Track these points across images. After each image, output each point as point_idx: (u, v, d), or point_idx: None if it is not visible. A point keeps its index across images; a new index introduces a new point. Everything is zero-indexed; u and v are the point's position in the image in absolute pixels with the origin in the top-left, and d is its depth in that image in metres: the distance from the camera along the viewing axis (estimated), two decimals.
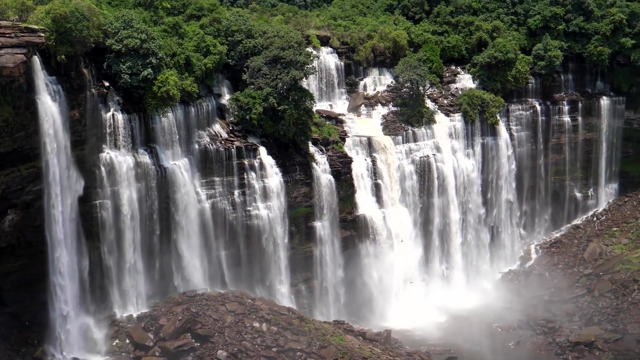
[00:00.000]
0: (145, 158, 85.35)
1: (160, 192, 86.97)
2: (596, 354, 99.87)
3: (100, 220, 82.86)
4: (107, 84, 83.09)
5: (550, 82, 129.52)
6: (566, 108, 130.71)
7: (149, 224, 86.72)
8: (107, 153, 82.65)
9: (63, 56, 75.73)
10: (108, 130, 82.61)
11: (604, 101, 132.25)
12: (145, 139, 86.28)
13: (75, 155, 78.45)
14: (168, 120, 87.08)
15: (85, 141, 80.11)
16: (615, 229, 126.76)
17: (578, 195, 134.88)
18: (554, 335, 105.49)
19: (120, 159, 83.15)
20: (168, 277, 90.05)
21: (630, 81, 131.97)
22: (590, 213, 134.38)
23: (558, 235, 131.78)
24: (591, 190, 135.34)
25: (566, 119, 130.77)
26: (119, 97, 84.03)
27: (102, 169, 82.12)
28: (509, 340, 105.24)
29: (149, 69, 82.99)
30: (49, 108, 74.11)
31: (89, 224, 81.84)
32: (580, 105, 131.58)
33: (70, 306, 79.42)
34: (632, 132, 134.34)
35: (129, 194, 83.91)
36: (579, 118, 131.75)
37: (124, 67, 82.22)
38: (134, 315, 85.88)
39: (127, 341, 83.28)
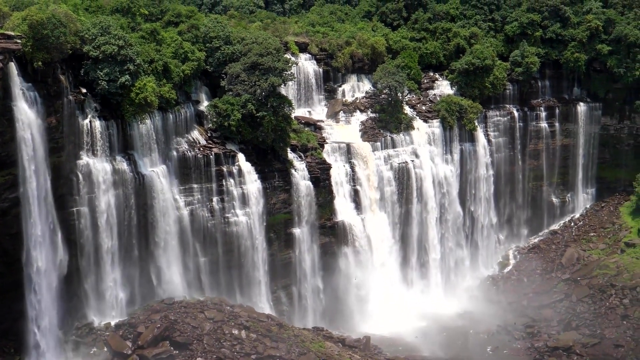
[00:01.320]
0: (123, 165, 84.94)
1: (138, 199, 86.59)
2: (574, 359, 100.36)
3: (77, 228, 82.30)
4: (84, 90, 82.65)
5: (528, 88, 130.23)
6: (543, 114, 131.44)
7: (126, 231, 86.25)
8: (85, 160, 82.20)
9: (40, 63, 75.29)
10: (85, 137, 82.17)
11: (581, 107, 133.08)
12: (123, 145, 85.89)
13: (52, 163, 77.91)
14: (146, 127, 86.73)
15: (62, 148, 79.62)
16: (592, 234, 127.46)
17: (555, 200, 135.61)
18: (533, 340, 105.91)
19: (97, 165, 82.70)
20: (146, 285, 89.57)
21: (607, 87, 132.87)
22: (568, 218, 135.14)
23: (536, 240, 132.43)
24: (568, 195, 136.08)
25: (543, 125, 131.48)
26: (97, 104, 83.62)
27: (80, 176, 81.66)
28: (488, 346, 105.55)
29: (127, 76, 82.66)
30: (26, 115, 73.64)
31: (66, 232, 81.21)
32: (557, 111, 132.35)
33: (47, 314, 78.77)
34: (609, 138, 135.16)
35: (106, 201, 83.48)
36: (556, 124, 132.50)
37: (101, 73, 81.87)
38: (112, 323, 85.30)
39: (105, 349, 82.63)
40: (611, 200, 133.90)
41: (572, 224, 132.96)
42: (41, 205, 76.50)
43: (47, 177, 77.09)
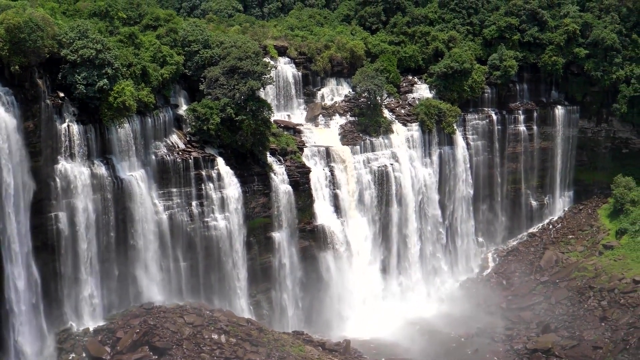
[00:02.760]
0: (101, 169, 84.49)
1: (116, 203, 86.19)
2: None
3: (55, 233, 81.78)
4: (62, 94, 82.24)
5: (506, 91, 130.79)
6: (522, 117, 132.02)
7: (105, 236, 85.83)
8: (62, 164, 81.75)
9: (17, 67, 74.87)
10: (63, 142, 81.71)
11: (559, 110, 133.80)
12: (101, 150, 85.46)
13: (29, 167, 77.37)
14: (124, 131, 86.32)
15: (39, 152, 79.10)
16: (570, 236, 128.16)
17: (534, 203, 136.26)
18: (512, 342, 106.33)
19: (75, 170, 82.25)
20: (125, 290, 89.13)
21: (584, 90, 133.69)
22: (546, 221, 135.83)
23: (515, 243, 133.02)
24: (547, 198, 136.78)
25: (522, 128, 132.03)
26: (75, 108, 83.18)
27: (57, 180, 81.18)
28: (468, 348, 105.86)
29: (105, 80, 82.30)
30: (3, 119, 73.25)
31: (44, 236, 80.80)
32: (535, 114, 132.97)
33: (25, 319, 78.31)
34: (586, 141, 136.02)
35: (84, 205, 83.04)
36: (534, 127, 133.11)
37: (79, 77, 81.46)
38: (91, 329, 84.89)
39: (84, 355, 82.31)
40: (589, 202, 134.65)
41: (551, 226, 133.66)
42: (19, 210, 75.96)
43: (25, 181, 76.66)
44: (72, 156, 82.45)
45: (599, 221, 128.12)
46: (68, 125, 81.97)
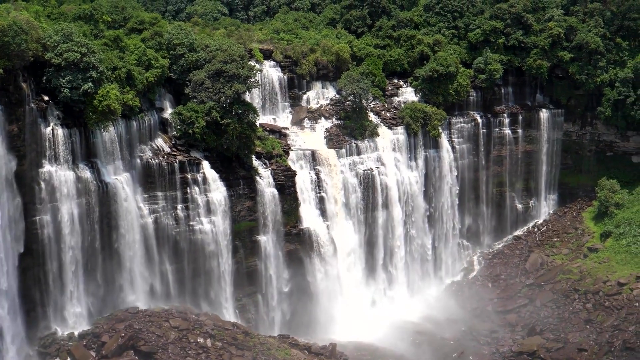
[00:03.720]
0: (86, 173, 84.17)
1: (101, 207, 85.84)
2: None
3: (39, 237, 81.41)
4: (46, 98, 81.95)
5: (491, 95, 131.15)
6: (507, 120, 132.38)
7: (90, 240, 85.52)
8: (47, 168, 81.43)
9: (1, 70, 74.54)
10: (48, 145, 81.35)
11: (544, 114, 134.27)
12: (86, 153, 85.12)
13: (14, 171, 77.01)
14: (109, 135, 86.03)
15: (24, 156, 78.85)
16: (555, 239, 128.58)
17: (519, 206, 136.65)
18: (497, 345, 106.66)
19: (60, 174, 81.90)
20: (110, 294, 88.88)
21: (569, 94, 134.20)
22: (531, 224, 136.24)
23: (500, 246, 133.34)
24: (532, 201, 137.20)
25: (507, 131, 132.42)
26: (59, 112, 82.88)
27: (42, 184, 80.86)
28: (453, 351, 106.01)
29: (90, 83, 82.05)
30: None
31: (29, 241, 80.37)
32: (520, 117, 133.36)
33: (9, 324, 77.95)
34: (571, 144, 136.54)
35: (69, 209, 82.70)
36: (519, 130, 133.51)
37: (63, 81, 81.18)
38: (76, 333, 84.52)
39: (69, 359, 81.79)
40: (574, 205, 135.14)
41: (536, 229, 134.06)
42: (3, 214, 75.63)
43: (9, 185, 76.35)
44: (56, 160, 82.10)
45: (583, 224, 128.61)
46: (52, 129, 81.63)
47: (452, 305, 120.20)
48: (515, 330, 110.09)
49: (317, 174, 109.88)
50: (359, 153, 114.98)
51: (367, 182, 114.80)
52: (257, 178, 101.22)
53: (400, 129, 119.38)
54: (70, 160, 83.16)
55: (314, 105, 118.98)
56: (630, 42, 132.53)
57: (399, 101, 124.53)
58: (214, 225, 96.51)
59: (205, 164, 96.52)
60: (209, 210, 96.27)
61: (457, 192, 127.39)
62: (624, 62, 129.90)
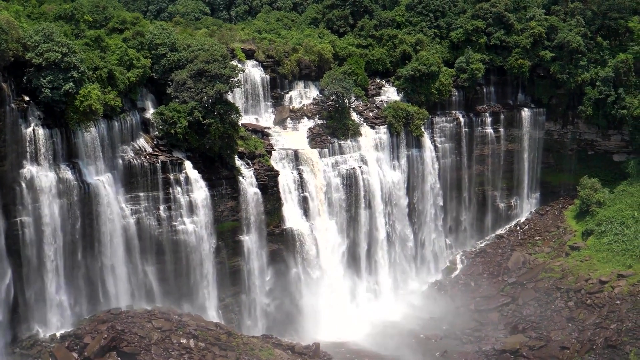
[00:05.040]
0: (68, 174, 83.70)
1: (83, 208, 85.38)
2: None
3: (21, 238, 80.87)
4: (27, 98, 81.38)
5: (473, 94, 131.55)
6: (489, 120, 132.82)
7: (72, 240, 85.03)
8: (28, 169, 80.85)
9: None
10: (29, 146, 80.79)
11: (525, 113, 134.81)
12: (68, 154, 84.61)
13: None
14: (91, 135, 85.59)
15: (5, 157, 78.27)
16: (537, 238, 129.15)
17: (501, 205, 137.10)
18: (480, 344, 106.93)
19: (41, 174, 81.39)
20: (93, 295, 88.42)
21: (550, 93, 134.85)
22: (514, 222, 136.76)
23: (483, 245, 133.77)
24: (514, 200, 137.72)
25: (489, 130, 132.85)
26: (40, 112, 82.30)
27: (23, 185, 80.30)
28: (436, 350, 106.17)
29: (71, 83, 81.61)
30: None
31: (10, 242, 79.86)
32: (502, 116, 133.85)
33: None
34: (553, 143, 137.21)
35: (50, 210, 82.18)
36: (501, 129, 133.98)
37: (44, 81, 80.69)
38: (58, 335, 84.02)
39: None
40: (555, 204, 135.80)
41: (518, 228, 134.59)
42: None
43: None
44: (37, 160, 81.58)
45: (565, 222, 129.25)
46: (33, 130, 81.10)
47: (435, 304, 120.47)
48: (498, 329, 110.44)
49: (300, 174, 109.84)
50: (341, 153, 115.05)
51: (350, 182, 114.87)
52: (240, 178, 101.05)
53: (383, 129, 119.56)
54: (52, 160, 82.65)
55: (296, 104, 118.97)
56: (610, 41, 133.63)
57: (381, 101, 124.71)
58: (196, 225, 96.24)
59: (188, 164, 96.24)
60: (192, 211, 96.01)
61: (440, 191, 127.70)
62: (605, 61, 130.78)
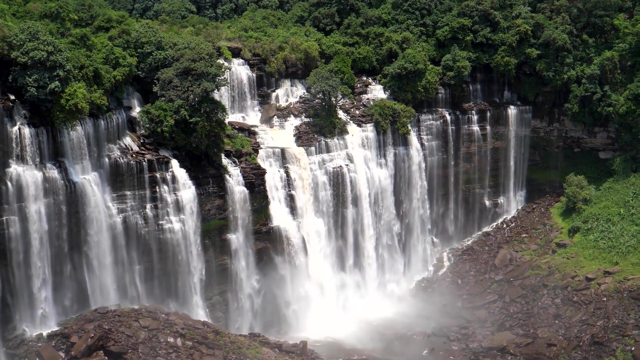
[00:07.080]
0: (54, 173, 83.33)
1: (69, 207, 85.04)
2: (508, 359, 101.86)
3: (7, 237, 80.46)
4: (12, 97, 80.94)
5: (459, 92, 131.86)
6: (475, 117, 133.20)
7: (58, 240, 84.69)
8: (14, 168, 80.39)
9: None
10: (14, 145, 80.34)
11: (512, 110, 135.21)
12: (54, 153, 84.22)
13: None
14: (77, 134, 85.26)
15: None
16: (524, 235, 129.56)
17: (488, 202, 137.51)
18: (467, 341, 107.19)
19: (27, 173, 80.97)
20: (79, 294, 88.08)
21: (536, 91, 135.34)
22: (500, 220, 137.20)
23: (469, 242, 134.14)
24: (500, 197, 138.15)
25: (475, 128, 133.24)
26: (26, 111, 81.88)
27: (9, 184, 79.89)
28: (424, 348, 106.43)
29: (56, 82, 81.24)
30: None
31: None
32: (488, 114, 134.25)
33: None
34: (539, 141, 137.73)
35: (36, 209, 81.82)
36: (488, 127, 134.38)
37: (30, 79, 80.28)
38: (44, 334, 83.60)
39: None
40: (542, 201, 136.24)
41: (505, 225, 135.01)
42: None
43: None
44: (23, 159, 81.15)
45: (551, 220, 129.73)
46: (19, 128, 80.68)
47: (422, 301, 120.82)
48: (485, 326, 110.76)
49: (287, 172, 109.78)
50: (328, 151, 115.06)
51: (337, 180, 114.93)
52: (227, 176, 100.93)
53: (370, 127, 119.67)
54: (38, 159, 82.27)
55: (283, 103, 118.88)
56: (596, 39, 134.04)
57: (367, 99, 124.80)
58: (183, 224, 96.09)
59: (174, 163, 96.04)
60: (178, 209, 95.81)
61: (427, 189, 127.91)
62: (591, 59, 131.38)
